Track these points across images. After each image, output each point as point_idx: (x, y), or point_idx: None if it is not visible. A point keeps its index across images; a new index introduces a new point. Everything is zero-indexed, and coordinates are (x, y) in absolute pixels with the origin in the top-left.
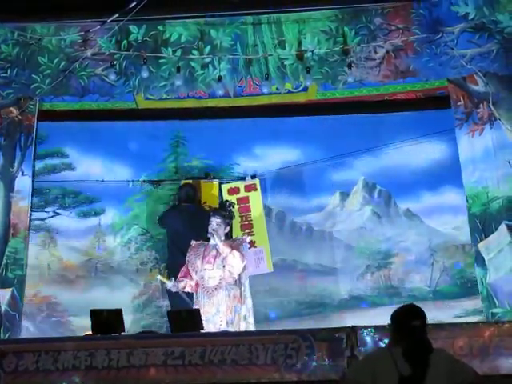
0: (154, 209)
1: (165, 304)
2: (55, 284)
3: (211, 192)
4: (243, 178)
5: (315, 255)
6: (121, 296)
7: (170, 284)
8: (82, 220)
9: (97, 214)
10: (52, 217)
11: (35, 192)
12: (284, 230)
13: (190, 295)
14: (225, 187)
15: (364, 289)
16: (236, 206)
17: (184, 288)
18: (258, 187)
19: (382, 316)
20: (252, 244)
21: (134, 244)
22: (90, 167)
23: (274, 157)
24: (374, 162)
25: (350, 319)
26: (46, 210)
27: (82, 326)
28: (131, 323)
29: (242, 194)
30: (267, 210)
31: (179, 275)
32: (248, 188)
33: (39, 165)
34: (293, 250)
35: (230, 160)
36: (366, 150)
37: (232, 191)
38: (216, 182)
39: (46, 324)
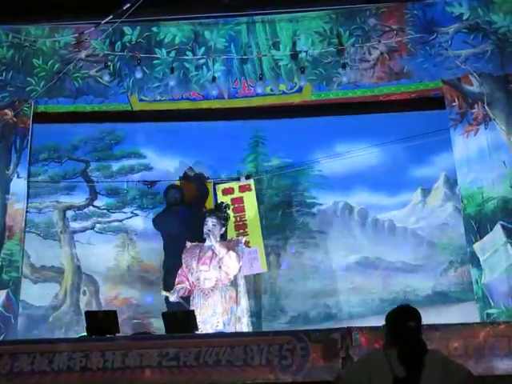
0: None
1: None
2: (135, 286)
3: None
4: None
5: (398, 252)
6: None
7: (172, 297)
8: None
9: None
10: (130, 218)
11: (112, 193)
12: (366, 227)
13: (186, 298)
14: (219, 187)
15: (448, 285)
16: (230, 207)
17: (183, 294)
18: (253, 187)
19: (468, 312)
20: (246, 244)
21: None
22: (167, 168)
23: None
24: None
25: (434, 316)
26: (123, 211)
27: (157, 327)
28: None
29: (237, 194)
30: (349, 208)
31: (176, 282)
32: (242, 188)
33: (117, 165)
34: (375, 248)
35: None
36: None
37: (226, 191)
38: (211, 183)
39: (127, 326)
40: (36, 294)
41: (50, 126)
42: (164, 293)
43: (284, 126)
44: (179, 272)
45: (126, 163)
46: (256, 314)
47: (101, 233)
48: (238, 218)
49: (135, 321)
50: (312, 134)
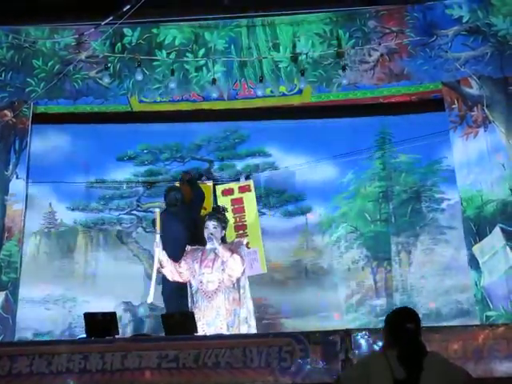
0: (363, 206)
1: (379, 303)
2: (265, 286)
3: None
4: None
5: None
6: (333, 296)
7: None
8: (288, 219)
9: (303, 212)
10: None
11: None
12: None
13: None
14: (219, 188)
15: None
16: (230, 208)
17: (165, 273)
18: (252, 188)
19: None
20: (246, 245)
21: (343, 243)
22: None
23: None
24: None
25: None
26: None
27: (294, 327)
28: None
29: (236, 195)
30: None
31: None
32: (242, 189)
33: (240, 165)
34: None
35: None
36: None
37: (226, 192)
38: (210, 184)
39: (258, 326)
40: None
41: (149, 126)
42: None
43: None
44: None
45: (251, 162)
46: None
47: None
48: (238, 219)
49: (265, 321)
50: None
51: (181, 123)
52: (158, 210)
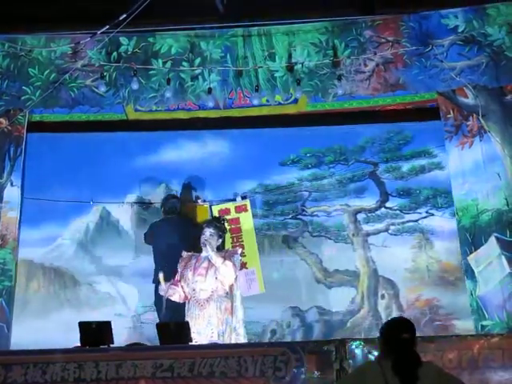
0: None
1: None
2: (436, 287)
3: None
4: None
5: None
6: None
7: (161, 287)
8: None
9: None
10: (425, 217)
11: (404, 193)
12: None
13: (178, 306)
14: (215, 208)
15: None
16: (227, 226)
17: (172, 296)
18: (249, 208)
19: None
20: (243, 265)
21: None
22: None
23: None
24: None
25: None
26: (417, 211)
27: (465, 329)
28: None
29: (233, 215)
30: None
31: (172, 282)
32: (239, 209)
33: (407, 166)
34: None
35: None
36: None
37: (222, 212)
38: (207, 205)
39: (429, 328)
40: (332, 299)
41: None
42: (161, 276)
43: None
44: (176, 277)
45: (416, 163)
46: None
47: (395, 234)
48: (235, 239)
49: (437, 323)
50: None
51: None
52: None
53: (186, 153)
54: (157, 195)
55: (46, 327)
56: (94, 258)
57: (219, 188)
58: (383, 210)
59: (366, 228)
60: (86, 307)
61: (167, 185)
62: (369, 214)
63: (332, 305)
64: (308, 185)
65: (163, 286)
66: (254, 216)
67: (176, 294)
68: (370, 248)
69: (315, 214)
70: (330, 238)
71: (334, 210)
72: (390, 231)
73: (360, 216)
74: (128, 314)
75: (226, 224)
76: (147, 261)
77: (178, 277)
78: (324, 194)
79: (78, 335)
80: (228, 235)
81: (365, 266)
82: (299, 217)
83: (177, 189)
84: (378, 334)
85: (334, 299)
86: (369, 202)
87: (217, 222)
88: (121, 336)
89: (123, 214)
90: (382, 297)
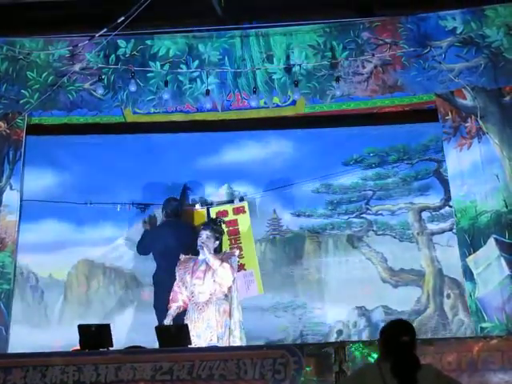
0: None
1: None
2: None
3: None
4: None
5: None
6: None
7: (168, 320)
8: None
9: None
10: None
11: None
12: None
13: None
14: (213, 210)
15: None
16: (225, 230)
17: (177, 312)
18: (247, 210)
19: None
20: (242, 267)
21: None
22: None
23: None
24: None
25: None
26: None
27: None
28: None
29: (231, 216)
30: None
31: (170, 299)
32: (237, 211)
33: None
34: None
35: None
36: None
37: (220, 214)
38: (203, 208)
39: None
40: (398, 299)
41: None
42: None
43: None
44: (174, 288)
45: None
46: None
47: None
48: (233, 241)
49: None
50: None
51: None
52: None
53: (249, 153)
54: (219, 196)
55: None
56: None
57: (282, 188)
58: (447, 208)
59: (431, 227)
60: (149, 308)
61: (229, 185)
62: (433, 213)
63: (398, 304)
64: (372, 184)
65: (166, 320)
66: (319, 216)
67: (180, 308)
68: (435, 247)
69: (379, 212)
70: (394, 237)
71: (398, 208)
72: (454, 230)
73: (424, 214)
74: None
75: (223, 226)
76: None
77: (176, 287)
78: (388, 193)
79: (138, 335)
80: (226, 237)
81: (430, 266)
82: (363, 216)
83: (240, 189)
84: (444, 334)
85: (400, 299)
86: (433, 200)
87: (213, 224)
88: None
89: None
90: (448, 296)
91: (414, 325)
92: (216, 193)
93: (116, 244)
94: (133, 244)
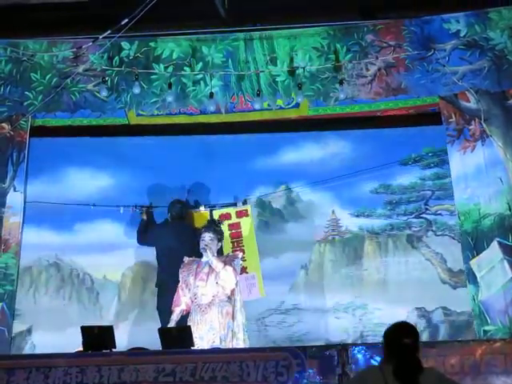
0: None
1: None
2: None
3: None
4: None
5: None
6: None
7: (172, 324)
8: None
9: None
10: None
11: None
12: None
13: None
14: (216, 213)
15: None
16: (227, 233)
17: (180, 316)
18: (250, 212)
19: None
20: (244, 270)
21: None
22: None
23: None
24: None
25: None
26: None
27: None
28: None
29: (234, 219)
30: None
31: (173, 302)
32: (240, 214)
33: None
34: None
35: None
36: None
37: (223, 217)
38: (207, 211)
39: None
40: (457, 300)
41: None
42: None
43: None
44: (177, 291)
45: None
46: None
47: None
48: (236, 244)
49: None
50: None
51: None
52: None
53: (307, 154)
54: (276, 197)
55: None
56: None
57: (340, 188)
58: None
59: None
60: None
61: (287, 186)
62: None
63: (457, 305)
64: (430, 184)
65: (171, 324)
66: (378, 216)
67: (183, 311)
68: None
69: (439, 212)
70: (453, 238)
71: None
72: None
73: None
74: (252, 317)
75: (222, 226)
76: (272, 264)
77: (178, 291)
78: (447, 193)
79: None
80: (228, 240)
81: None
82: (423, 216)
83: (298, 189)
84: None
85: (460, 300)
86: None
87: (215, 226)
88: (249, 339)
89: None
90: None
91: (473, 327)
92: (272, 194)
93: None
94: None
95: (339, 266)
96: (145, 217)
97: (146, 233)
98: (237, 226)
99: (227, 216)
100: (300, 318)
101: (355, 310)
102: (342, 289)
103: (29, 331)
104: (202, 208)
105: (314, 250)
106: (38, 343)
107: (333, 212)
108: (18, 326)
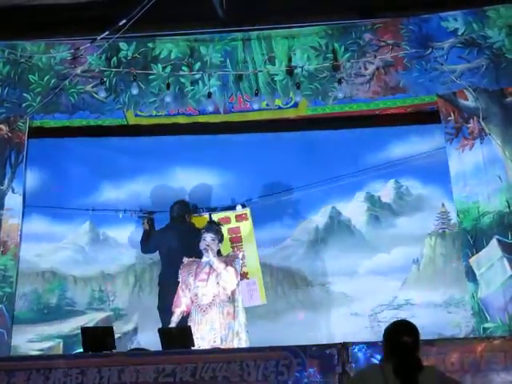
0: None
1: None
2: None
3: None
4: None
5: None
6: None
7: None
8: None
9: None
10: None
11: None
12: None
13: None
14: (215, 217)
15: None
16: (227, 237)
17: (180, 317)
18: (249, 217)
19: None
20: (244, 275)
21: None
22: None
23: None
24: None
25: None
26: None
27: None
28: None
29: (233, 223)
30: None
31: (173, 303)
32: (239, 218)
33: None
34: None
35: None
36: None
37: (222, 221)
38: (206, 215)
39: None
40: None
41: None
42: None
43: None
44: (178, 292)
45: None
46: None
47: None
48: (236, 249)
49: None
50: None
51: None
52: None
53: (416, 148)
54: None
55: (277, 328)
56: (326, 257)
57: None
58: None
59: None
60: (320, 308)
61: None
62: None
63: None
64: None
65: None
66: None
67: (184, 312)
68: None
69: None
70: None
71: None
72: None
73: None
74: (365, 313)
75: (221, 227)
76: (382, 258)
77: (178, 292)
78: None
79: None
80: (228, 244)
81: None
82: None
83: (407, 184)
84: None
85: None
86: None
87: (215, 226)
88: (358, 334)
89: (355, 212)
90: None
91: None
92: (383, 188)
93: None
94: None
95: (450, 259)
96: (146, 226)
97: (148, 241)
98: (237, 230)
99: (227, 220)
100: (413, 313)
101: (466, 304)
102: (455, 283)
103: (134, 331)
104: (202, 212)
105: (425, 243)
106: (144, 343)
107: (442, 205)
108: (122, 327)
